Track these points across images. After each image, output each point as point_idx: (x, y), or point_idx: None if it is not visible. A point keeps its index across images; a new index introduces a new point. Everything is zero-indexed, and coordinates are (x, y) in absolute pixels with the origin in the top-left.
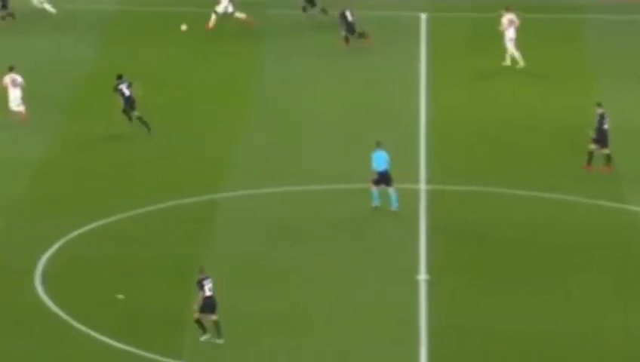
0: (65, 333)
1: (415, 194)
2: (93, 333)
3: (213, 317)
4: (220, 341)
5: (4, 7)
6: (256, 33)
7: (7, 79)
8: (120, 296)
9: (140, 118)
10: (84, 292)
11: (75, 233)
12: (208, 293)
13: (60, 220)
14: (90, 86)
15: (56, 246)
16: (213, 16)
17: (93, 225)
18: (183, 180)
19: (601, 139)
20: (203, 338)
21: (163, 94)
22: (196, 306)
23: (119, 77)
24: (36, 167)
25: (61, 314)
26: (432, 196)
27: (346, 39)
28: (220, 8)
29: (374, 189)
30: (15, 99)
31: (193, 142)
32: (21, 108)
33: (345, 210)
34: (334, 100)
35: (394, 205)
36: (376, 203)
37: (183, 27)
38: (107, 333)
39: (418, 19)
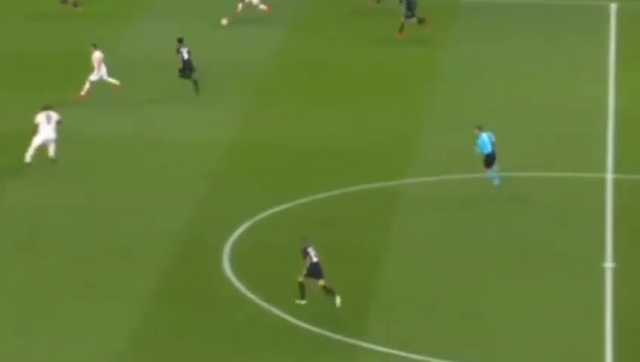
0: (250, 312)
1: (601, 182)
2: (278, 313)
3: (321, 281)
4: (337, 301)
5: None
6: (443, 19)
7: (98, 55)
8: None
9: (195, 82)
10: (270, 273)
11: (264, 215)
12: (315, 259)
13: (249, 202)
14: (278, 71)
15: (244, 227)
16: (240, 5)
17: (281, 207)
18: (370, 165)
19: None
20: (299, 301)
21: (351, 80)
22: (304, 271)
23: (180, 40)
24: (227, 149)
25: (247, 293)
26: (618, 185)
27: (402, 27)
28: None
29: (491, 171)
30: (102, 75)
31: (380, 127)
32: (113, 80)
33: (528, 198)
34: (521, 87)
35: (496, 181)
36: (497, 181)
37: (224, 22)
38: (292, 313)
39: (608, 9)
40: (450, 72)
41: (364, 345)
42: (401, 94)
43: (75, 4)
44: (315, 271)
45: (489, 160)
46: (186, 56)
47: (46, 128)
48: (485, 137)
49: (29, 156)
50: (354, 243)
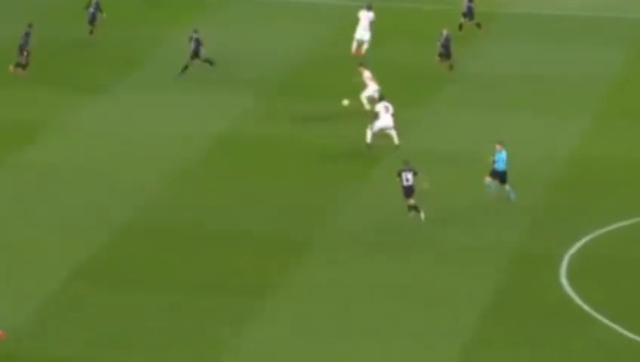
0: (590, 329)
1: None
2: (621, 331)
3: (411, 201)
4: (421, 216)
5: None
6: None
7: (367, 73)
8: None
9: (206, 60)
10: (609, 289)
11: (603, 230)
12: (405, 183)
13: (589, 216)
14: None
15: (583, 241)
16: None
17: (622, 223)
18: None
19: None
20: (422, 217)
21: None
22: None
23: (195, 31)
24: (567, 162)
25: (585, 308)
26: None
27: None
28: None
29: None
30: (372, 91)
31: None
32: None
33: None
34: None
35: (512, 198)
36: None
37: (345, 102)
38: (628, 327)
39: None
40: None
41: None
42: None
43: (91, 32)
44: (406, 193)
45: (503, 176)
46: (193, 45)
47: (385, 117)
48: (504, 155)
49: (368, 138)
50: None
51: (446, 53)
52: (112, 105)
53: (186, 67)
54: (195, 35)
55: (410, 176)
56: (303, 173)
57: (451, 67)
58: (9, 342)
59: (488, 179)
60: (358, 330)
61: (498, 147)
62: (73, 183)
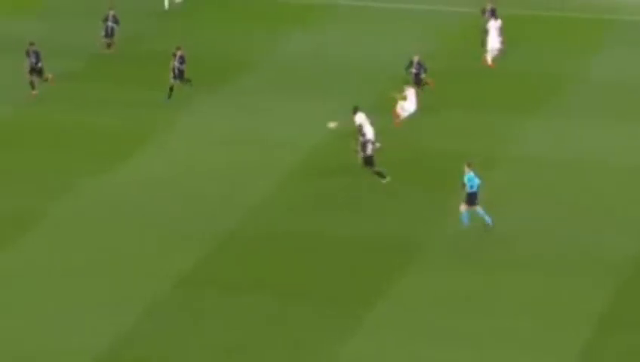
0: None
1: None
2: None
3: (374, 168)
4: (386, 180)
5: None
6: None
7: (411, 89)
8: None
9: (187, 81)
10: None
11: None
12: (369, 153)
13: None
14: None
15: None
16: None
17: None
18: None
19: None
20: (383, 180)
21: None
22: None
23: (178, 48)
24: None
25: None
26: None
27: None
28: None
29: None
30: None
31: None
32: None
33: None
34: None
35: (488, 221)
36: (466, 222)
37: (332, 125)
38: None
39: None
40: None
41: None
42: None
43: (108, 46)
44: (367, 162)
45: (472, 198)
46: (176, 63)
47: (368, 127)
48: (472, 175)
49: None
50: None
51: (416, 81)
52: (217, 112)
53: (171, 89)
54: (178, 53)
55: (371, 145)
56: (408, 178)
57: (426, 84)
58: (119, 346)
59: (463, 207)
60: (466, 342)
61: (466, 168)
62: (178, 192)
